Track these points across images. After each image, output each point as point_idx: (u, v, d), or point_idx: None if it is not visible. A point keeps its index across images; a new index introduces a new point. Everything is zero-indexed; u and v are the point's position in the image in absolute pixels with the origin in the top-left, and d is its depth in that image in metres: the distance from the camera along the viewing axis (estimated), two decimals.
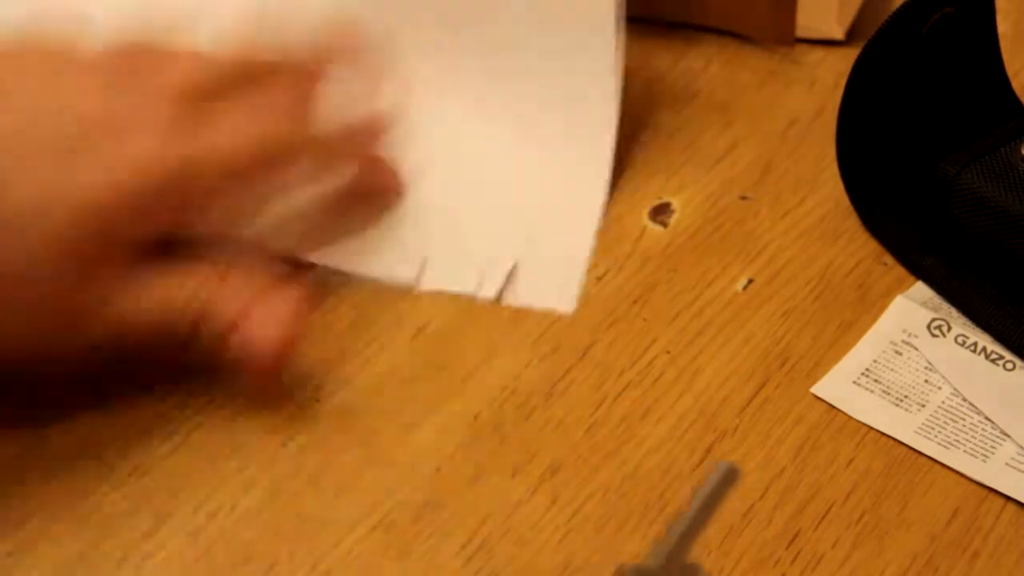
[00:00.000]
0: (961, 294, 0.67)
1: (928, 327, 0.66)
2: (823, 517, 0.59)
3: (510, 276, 0.66)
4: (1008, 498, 0.60)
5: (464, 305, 0.65)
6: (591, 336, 0.65)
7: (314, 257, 0.65)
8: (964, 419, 0.63)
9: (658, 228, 0.70)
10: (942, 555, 0.59)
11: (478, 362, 0.64)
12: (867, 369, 0.64)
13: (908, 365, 0.65)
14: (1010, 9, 0.79)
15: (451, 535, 0.58)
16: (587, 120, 0.69)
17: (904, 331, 0.66)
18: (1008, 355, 0.65)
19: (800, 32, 0.77)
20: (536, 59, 0.69)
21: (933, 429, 0.62)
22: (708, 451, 0.61)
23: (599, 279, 0.68)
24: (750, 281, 0.68)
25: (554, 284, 0.66)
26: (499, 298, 0.66)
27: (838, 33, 0.77)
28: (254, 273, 0.60)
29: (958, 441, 0.62)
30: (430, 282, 0.66)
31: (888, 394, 0.64)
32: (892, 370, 0.64)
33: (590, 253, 0.67)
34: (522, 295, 0.66)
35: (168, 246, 0.59)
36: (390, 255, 0.66)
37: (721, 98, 0.76)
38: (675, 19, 0.78)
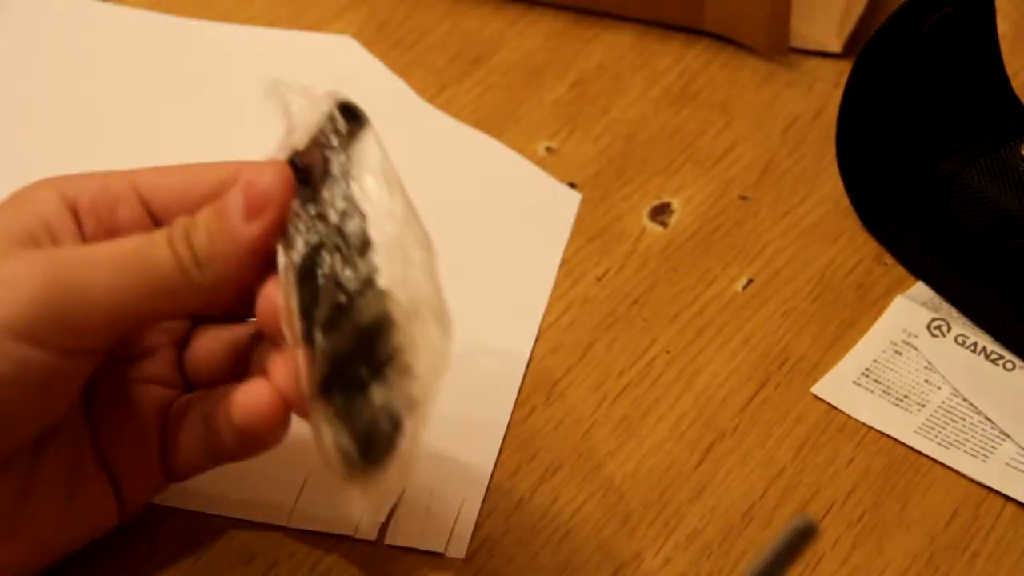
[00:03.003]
0: (961, 294, 0.67)
1: (928, 327, 0.66)
2: (823, 517, 0.59)
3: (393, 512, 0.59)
4: (1008, 498, 0.60)
5: None
6: (591, 336, 0.65)
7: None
8: (964, 419, 0.63)
9: (658, 228, 0.70)
10: (942, 555, 0.59)
11: None
12: (867, 369, 0.64)
13: (908, 365, 0.65)
14: (1010, 9, 0.79)
15: (453, 534, 0.58)
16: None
17: (904, 331, 0.66)
18: (1008, 355, 0.65)
19: (799, 43, 0.77)
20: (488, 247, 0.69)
21: (933, 429, 0.62)
22: (708, 451, 0.61)
23: (599, 279, 0.68)
24: (750, 281, 0.68)
25: (443, 527, 0.59)
26: (380, 538, 0.58)
27: (836, 46, 0.77)
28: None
29: (958, 441, 0.62)
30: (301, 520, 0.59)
31: (888, 394, 0.64)
32: (892, 370, 0.64)
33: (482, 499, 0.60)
34: (403, 535, 0.58)
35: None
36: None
37: (721, 98, 0.76)
38: (673, 23, 0.78)
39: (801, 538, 0.46)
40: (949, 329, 0.66)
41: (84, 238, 0.52)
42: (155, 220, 0.53)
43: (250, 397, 0.52)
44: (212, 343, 0.56)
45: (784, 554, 0.46)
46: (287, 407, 0.51)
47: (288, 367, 0.51)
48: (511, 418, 0.62)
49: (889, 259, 0.69)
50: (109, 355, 0.53)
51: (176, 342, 0.56)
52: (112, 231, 0.53)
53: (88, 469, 0.53)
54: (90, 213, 0.53)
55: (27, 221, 0.52)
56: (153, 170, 0.54)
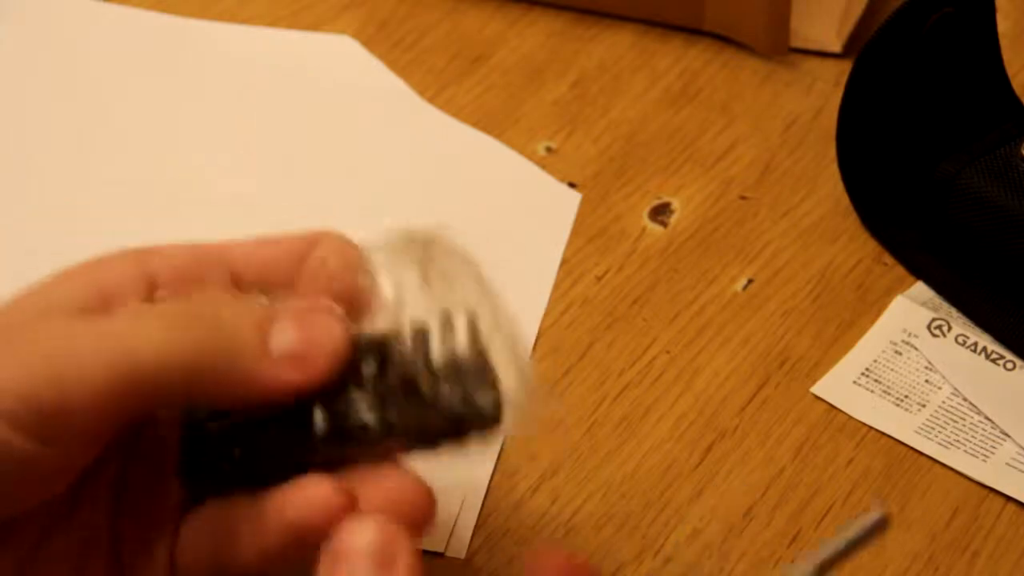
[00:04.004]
0: (961, 294, 0.66)
1: (928, 327, 0.66)
2: (823, 517, 0.59)
3: None
4: (1008, 498, 0.60)
5: None
6: (591, 336, 0.65)
7: None
8: (964, 419, 0.63)
9: (658, 228, 0.70)
10: (942, 555, 0.59)
11: None
12: (867, 369, 0.64)
13: (908, 365, 0.65)
14: (1010, 9, 0.79)
15: (453, 535, 0.58)
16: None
17: (904, 331, 0.66)
18: (1008, 355, 0.65)
19: (799, 43, 0.77)
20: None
21: (933, 429, 0.62)
22: (708, 450, 0.61)
23: (599, 279, 0.68)
24: (750, 281, 0.68)
25: (443, 527, 0.59)
26: None
27: (836, 46, 0.77)
28: None
29: (958, 441, 0.62)
30: None
31: (888, 394, 0.64)
32: (892, 370, 0.64)
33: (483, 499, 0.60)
34: None
35: None
36: None
37: (721, 98, 0.76)
38: (673, 23, 0.78)
39: (874, 529, 0.46)
40: (949, 329, 0.66)
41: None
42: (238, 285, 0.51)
43: (308, 491, 0.48)
44: None
45: (855, 544, 0.46)
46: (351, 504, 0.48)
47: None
48: None
49: (889, 259, 0.69)
50: (133, 441, 0.50)
51: None
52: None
53: (99, 554, 0.50)
54: (170, 285, 0.50)
55: (85, 287, 0.49)
56: (245, 242, 0.51)
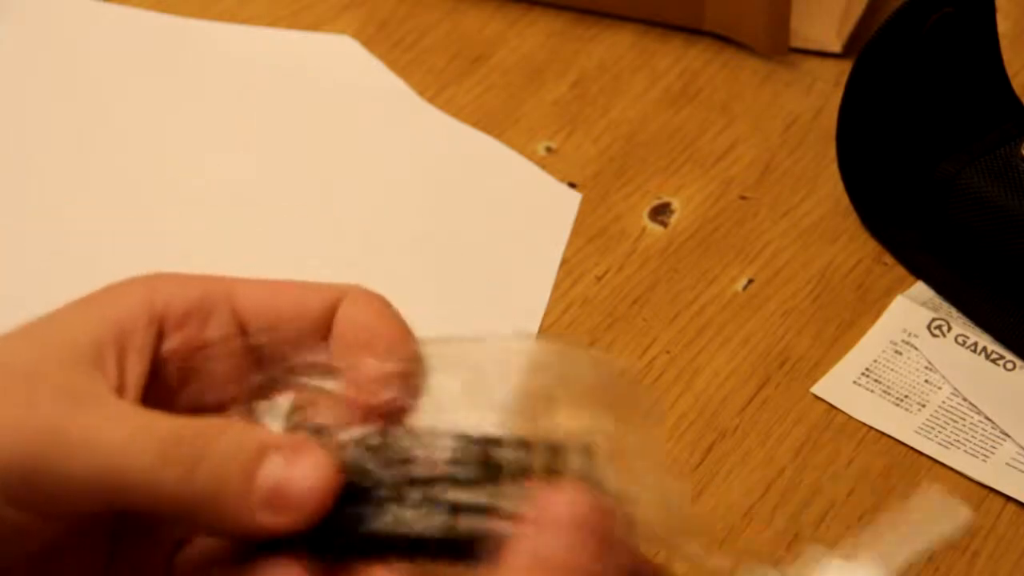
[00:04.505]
0: (961, 294, 0.66)
1: (928, 327, 0.66)
2: (823, 517, 0.59)
3: None
4: (1008, 498, 0.60)
5: None
6: (591, 336, 0.65)
7: None
8: (964, 419, 0.63)
9: (658, 228, 0.70)
10: (942, 555, 0.59)
11: None
12: (867, 369, 0.64)
13: (908, 365, 0.65)
14: (1010, 9, 0.79)
15: None
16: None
17: (904, 331, 0.66)
18: (1008, 355, 0.65)
19: (799, 43, 0.77)
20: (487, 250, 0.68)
21: (933, 429, 0.62)
22: (708, 451, 0.61)
23: (599, 279, 0.68)
24: (750, 281, 0.68)
25: None
26: None
27: (836, 46, 0.77)
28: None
29: (958, 441, 0.62)
30: None
31: (888, 394, 0.64)
32: (892, 370, 0.64)
33: None
34: None
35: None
36: None
37: (721, 98, 0.76)
38: (673, 23, 0.78)
39: (956, 530, 0.45)
40: (949, 329, 0.66)
41: (158, 358, 0.49)
42: (246, 342, 0.50)
43: None
44: None
45: (936, 541, 0.45)
46: None
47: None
48: None
49: (889, 259, 0.69)
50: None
51: None
52: (197, 348, 0.49)
53: None
54: (178, 327, 0.49)
55: (100, 324, 0.48)
56: (254, 284, 0.50)
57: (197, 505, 0.46)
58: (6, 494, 0.46)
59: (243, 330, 0.50)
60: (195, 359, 0.50)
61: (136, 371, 0.49)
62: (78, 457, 0.46)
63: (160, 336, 0.49)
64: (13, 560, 0.48)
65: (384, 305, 0.49)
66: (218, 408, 0.50)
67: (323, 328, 0.49)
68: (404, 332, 0.49)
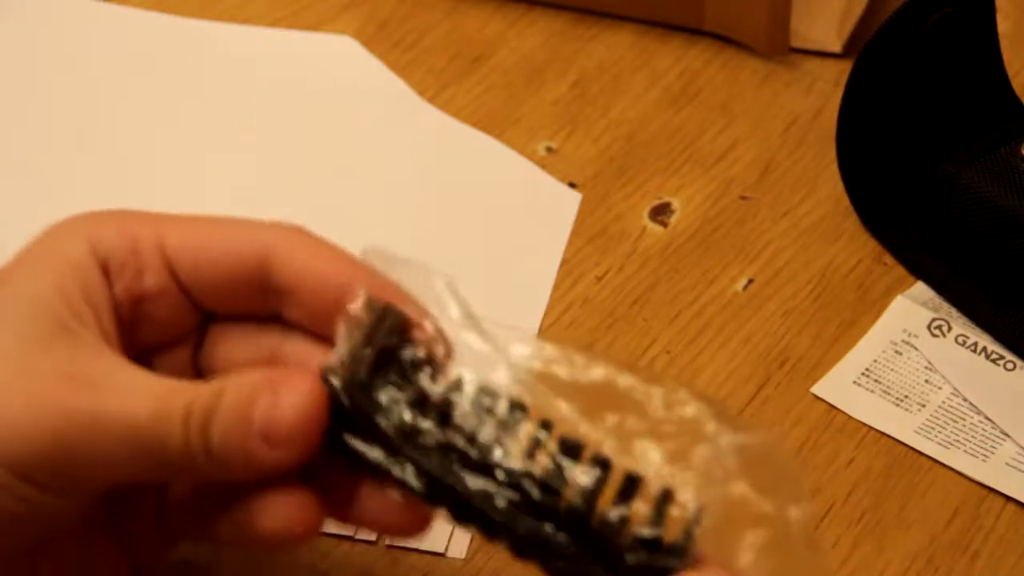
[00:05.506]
0: (961, 294, 0.67)
1: (928, 327, 0.66)
2: (823, 517, 0.59)
3: None
4: (1008, 498, 0.60)
5: None
6: (591, 336, 0.65)
7: None
8: (964, 419, 0.63)
9: (658, 228, 0.70)
10: (942, 555, 0.59)
11: None
12: (867, 369, 0.64)
13: (908, 365, 0.65)
14: (1010, 9, 0.79)
15: (454, 535, 0.58)
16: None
17: (904, 331, 0.66)
18: (1008, 355, 0.65)
19: (799, 43, 0.77)
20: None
21: (933, 429, 0.62)
22: None
23: (599, 279, 0.68)
24: (750, 281, 0.68)
25: (443, 527, 0.57)
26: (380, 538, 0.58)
27: (836, 46, 0.77)
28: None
29: (958, 441, 0.62)
30: None
31: (888, 394, 0.64)
32: (892, 370, 0.64)
33: None
34: None
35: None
36: None
37: (721, 98, 0.76)
38: (673, 23, 0.78)
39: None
40: (949, 329, 0.66)
41: (114, 301, 0.50)
42: (181, 286, 0.51)
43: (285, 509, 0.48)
44: (235, 350, 0.52)
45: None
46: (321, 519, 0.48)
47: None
48: None
49: (889, 259, 0.69)
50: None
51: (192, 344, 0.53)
52: (139, 299, 0.50)
53: (100, 542, 0.51)
54: (119, 275, 0.50)
55: (52, 290, 0.49)
56: (183, 227, 0.51)
57: (212, 463, 0.47)
58: (24, 473, 0.47)
59: (175, 275, 0.50)
60: (137, 308, 0.50)
61: (107, 317, 0.49)
62: (105, 438, 0.46)
63: (109, 285, 0.50)
64: (24, 539, 0.48)
65: (327, 247, 0.50)
66: (165, 346, 0.52)
67: (253, 269, 0.50)
68: (363, 270, 0.49)
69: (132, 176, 0.71)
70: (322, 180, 0.71)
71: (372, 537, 0.58)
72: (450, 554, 0.57)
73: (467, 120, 0.74)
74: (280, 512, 0.48)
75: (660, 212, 0.70)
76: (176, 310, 0.51)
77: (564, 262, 0.68)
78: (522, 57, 0.77)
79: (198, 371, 0.53)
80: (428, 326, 0.48)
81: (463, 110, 0.74)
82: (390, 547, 0.58)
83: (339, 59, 0.77)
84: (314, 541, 0.57)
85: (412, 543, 0.57)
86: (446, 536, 0.58)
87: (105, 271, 0.50)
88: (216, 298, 0.51)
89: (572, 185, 0.71)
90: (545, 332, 0.65)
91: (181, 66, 0.76)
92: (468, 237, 0.69)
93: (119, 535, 0.51)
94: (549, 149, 0.73)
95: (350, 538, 0.58)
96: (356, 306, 0.48)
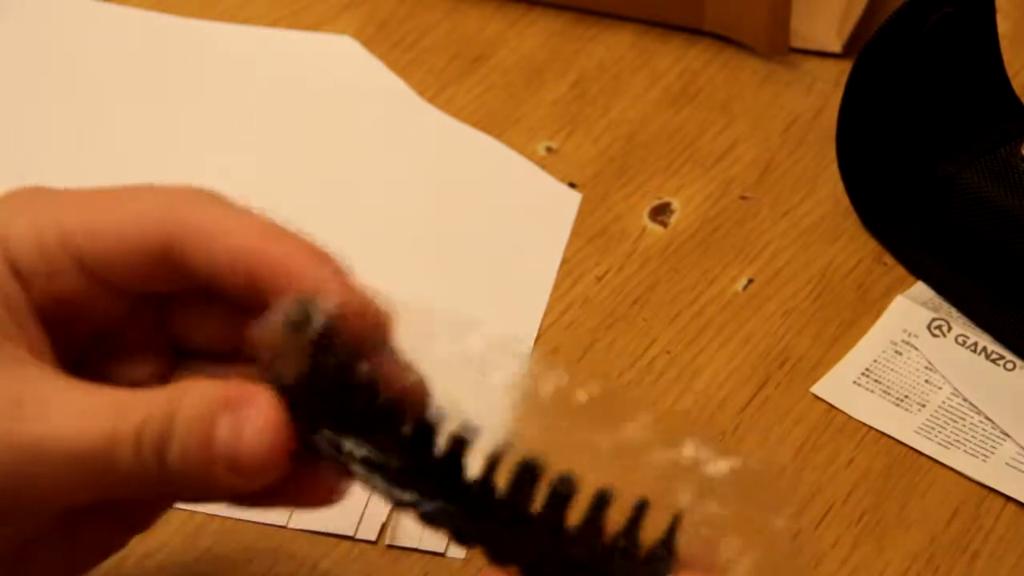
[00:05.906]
0: (961, 294, 0.67)
1: (928, 327, 0.66)
2: (823, 517, 0.59)
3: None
4: (1008, 498, 0.60)
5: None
6: (591, 336, 0.65)
7: None
8: (964, 419, 0.63)
9: (658, 228, 0.70)
10: (942, 555, 0.59)
11: None
12: (867, 369, 0.64)
13: (908, 365, 0.65)
14: (1010, 9, 0.79)
15: None
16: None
17: (904, 331, 0.66)
18: (1008, 355, 0.65)
19: (799, 43, 0.77)
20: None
21: (933, 429, 0.62)
22: None
23: (599, 279, 0.68)
24: (750, 281, 0.68)
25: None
26: (380, 538, 0.58)
27: (836, 46, 0.77)
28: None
29: (958, 441, 0.62)
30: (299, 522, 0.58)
31: (888, 394, 0.64)
32: (892, 370, 0.64)
33: None
34: (403, 535, 0.58)
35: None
36: None
37: (721, 98, 0.76)
38: (673, 23, 0.78)
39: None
40: (949, 329, 0.66)
41: (35, 307, 0.47)
42: (96, 279, 0.47)
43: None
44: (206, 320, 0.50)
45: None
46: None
47: None
48: None
49: (889, 259, 0.69)
50: None
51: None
52: (59, 300, 0.47)
53: (88, 517, 0.49)
54: (32, 281, 0.47)
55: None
56: (80, 208, 0.47)
57: (167, 485, 0.45)
58: None
59: (84, 266, 0.47)
60: (61, 309, 0.48)
61: (32, 325, 0.47)
62: (52, 466, 0.45)
63: (26, 288, 0.47)
64: None
65: (274, 228, 0.48)
66: (115, 330, 0.49)
67: (156, 247, 0.47)
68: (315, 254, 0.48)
69: (132, 176, 0.70)
70: (322, 180, 0.71)
71: (372, 537, 0.58)
72: (450, 554, 0.57)
73: (467, 120, 0.74)
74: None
75: (660, 212, 0.70)
76: (104, 299, 0.48)
77: (564, 262, 0.68)
78: (522, 57, 0.77)
79: (169, 339, 0.50)
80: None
81: (463, 110, 0.74)
82: (390, 547, 0.58)
83: (339, 59, 0.77)
84: (314, 541, 0.57)
85: (412, 543, 0.57)
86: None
87: (18, 276, 0.47)
88: (137, 279, 0.48)
89: (572, 185, 0.71)
90: (545, 333, 0.65)
91: (181, 66, 0.76)
92: (468, 237, 0.69)
93: (109, 507, 0.49)
94: (549, 149, 0.73)
95: (350, 538, 0.58)
96: (288, 305, 0.46)
